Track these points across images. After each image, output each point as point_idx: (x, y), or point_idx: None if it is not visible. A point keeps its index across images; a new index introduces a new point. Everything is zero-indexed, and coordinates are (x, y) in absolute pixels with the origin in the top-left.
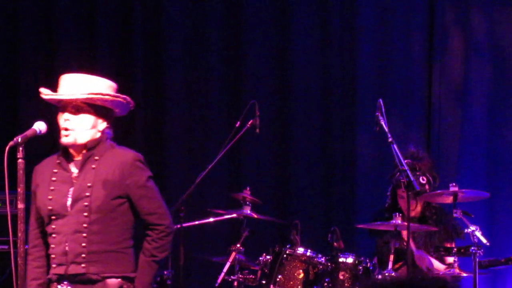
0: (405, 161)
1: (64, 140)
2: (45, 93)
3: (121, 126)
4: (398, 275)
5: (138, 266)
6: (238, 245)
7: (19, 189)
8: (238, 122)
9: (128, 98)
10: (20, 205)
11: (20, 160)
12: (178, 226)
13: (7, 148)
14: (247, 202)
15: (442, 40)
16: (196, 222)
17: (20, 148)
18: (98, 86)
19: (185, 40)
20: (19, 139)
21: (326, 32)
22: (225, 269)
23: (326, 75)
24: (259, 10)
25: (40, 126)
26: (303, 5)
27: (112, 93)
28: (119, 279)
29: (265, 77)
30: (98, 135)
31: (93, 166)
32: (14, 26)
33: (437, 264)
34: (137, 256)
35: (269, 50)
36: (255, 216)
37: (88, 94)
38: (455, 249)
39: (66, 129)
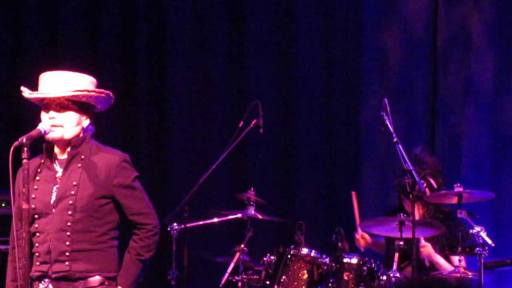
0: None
1: (51, 135)
2: (28, 92)
3: (125, 126)
4: (405, 275)
5: (123, 264)
6: (242, 246)
7: (24, 189)
8: (242, 122)
9: (111, 94)
10: (25, 206)
11: (25, 161)
12: (182, 226)
13: (12, 148)
14: (251, 203)
15: (446, 39)
16: (200, 223)
17: (25, 149)
18: (81, 83)
19: (188, 41)
20: (24, 139)
21: (330, 32)
22: (229, 270)
23: (330, 75)
24: (262, 11)
25: (45, 126)
26: (307, 6)
27: (96, 89)
28: (101, 277)
29: (269, 77)
30: (82, 132)
31: (79, 165)
32: (18, 29)
33: (443, 263)
34: (121, 257)
35: (272, 50)
36: (259, 216)
37: (74, 91)
38: (460, 249)
39: (55, 125)
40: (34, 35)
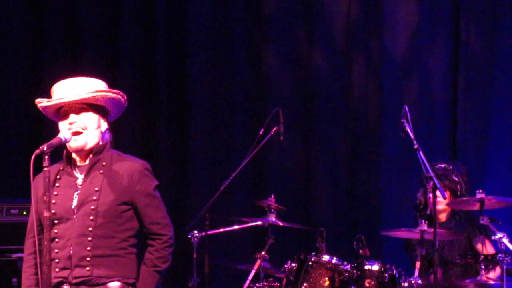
0: (438, 166)
1: (74, 144)
2: (46, 100)
3: (146, 135)
4: (427, 282)
5: (140, 276)
6: (263, 253)
7: (44, 197)
8: (262, 130)
9: (125, 96)
10: (46, 213)
11: (46, 169)
12: (203, 233)
13: (32, 157)
14: (272, 210)
15: (467, 47)
16: (221, 230)
17: (46, 157)
18: (97, 85)
19: (209, 48)
20: (44, 147)
21: (350, 38)
22: (250, 277)
23: (350, 82)
24: (282, 18)
25: (65, 135)
26: (326, 12)
27: (112, 89)
28: (120, 283)
29: (289, 84)
30: (102, 137)
31: (101, 171)
32: (38, 37)
33: None
34: (139, 264)
35: (292, 57)
36: (280, 223)
37: (94, 92)
38: (482, 257)
39: (77, 133)
40: (54, 49)
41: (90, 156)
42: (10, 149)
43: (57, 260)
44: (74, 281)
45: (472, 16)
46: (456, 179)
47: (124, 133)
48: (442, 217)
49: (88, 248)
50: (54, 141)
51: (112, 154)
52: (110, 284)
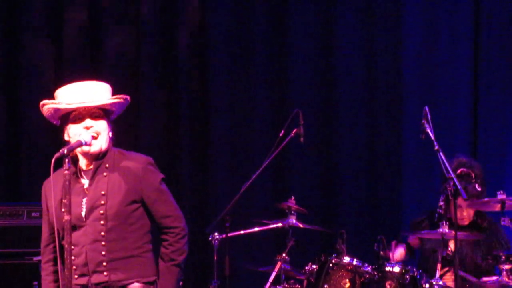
0: (460, 169)
1: (93, 148)
2: (65, 103)
3: (167, 137)
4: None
5: (159, 273)
6: (284, 255)
7: (65, 201)
8: (282, 131)
9: (128, 98)
10: (66, 217)
11: (66, 172)
12: (224, 236)
13: (53, 160)
14: (292, 212)
15: (489, 47)
16: (242, 232)
17: (66, 160)
18: (105, 91)
19: (229, 50)
20: (65, 150)
21: (371, 40)
22: (271, 279)
23: (371, 83)
24: (303, 19)
25: (85, 138)
26: (348, 14)
27: (122, 95)
28: (140, 283)
29: (309, 86)
30: (109, 140)
31: (105, 174)
32: (59, 45)
33: None
34: (157, 258)
35: (313, 58)
36: (301, 225)
37: (113, 98)
38: (504, 257)
39: (93, 137)
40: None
41: (95, 160)
42: (31, 152)
43: (74, 267)
44: (93, 287)
45: (490, 17)
46: (479, 188)
47: (145, 137)
48: (465, 221)
49: (103, 253)
50: (74, 144)
51: (114, 154)
52: (130, 286)
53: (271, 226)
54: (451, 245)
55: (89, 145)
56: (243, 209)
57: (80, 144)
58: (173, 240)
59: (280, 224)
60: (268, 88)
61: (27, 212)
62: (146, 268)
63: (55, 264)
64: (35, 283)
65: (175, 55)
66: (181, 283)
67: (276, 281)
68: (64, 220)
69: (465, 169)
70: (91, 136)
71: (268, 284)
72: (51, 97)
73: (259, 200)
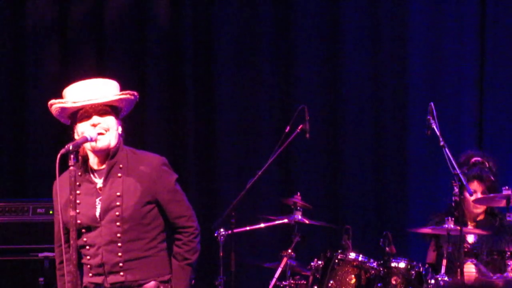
0: (475, 158)
1: (99, 144)
2: (71, 101)
3: (172, 133)
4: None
5: (173, 272)
6: (290, 251)
7: (71, 197)
8: (288, 127)
9: (137, 94)
10: (72, 213)
11: (72, 168)
12: (229, 232)
13: (58, 156)
14: (298, 208)
15: (495, 42)
16: (247, 228)
17: (72, 156)
18: (113, 88)
19: (235, 46)
20: (70, 146)
21: (377, 36)
22: (276, 275)
23: (377, 79)
24: (309, 15)
25: (91, 134)
26: (354, 11)
27: (129, 91)
28: (156, 282)
29: (315, 82)
30: (119, 137)
31: (119, 174)
32: (65, 46)
33: None
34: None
35: (319, 55)
36: (306, 221)
37: (119, 95)
38: (509, 253)
39: (100, 134)
40: (80, 45)
41: (107, 159)
42: (36, 148)
43: (89, 266)
44: (109, 287)
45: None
46: (493, 178)
47: (151, 133)
48: (479, 216)
49: (119, 254)
50: (79, 140)
51: (127, 154)
52: (146, 285)
53: (277, 222)
54: (469, 239)
55: (95, 140)
56: (249, 205)
57: (85, 140)
58: (187, 240)
59: (286, 220)
60: (274, 84)
61: (32, 208)
62: (162, 267)
63: (69, 264)
64: (41, 279)
65: (181, 53)
66: (193, 282)
67: (282, 277)
68: (69, 216)
69: (479, 158)
70: (96, 132)
71: (274, 280)
72: (56, 94)
73: (264, 196)
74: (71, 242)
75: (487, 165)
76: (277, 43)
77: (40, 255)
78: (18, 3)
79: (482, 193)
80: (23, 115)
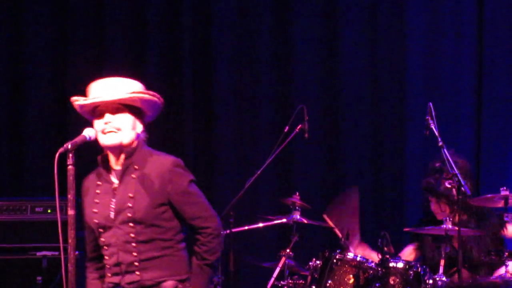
0: (437, 164)
1: (108, 141)
2: (83, 99)
3: (171, 132)
4: (452, 279)
5: (192, 271)
6: (288, 250)
7: (69, 196)
8: (287, 127)
9: (161, 98)
10: (70, 212)
11: (70, 167)
12: (228, 231)
13: (57, 155)
14: (297, 207)
15: (493, 42)
16: (246, 228)
17: (70, 155)
18: (134, 86)
19: (234, 46)
20: (69, 145)
21: (375, 35)
22: (274, 274)
23: (375, 79)
24: (308, 15)
25: (89, 133)
26: (352, 9)
27: (149, 91)
28: (173, 281)
29: (314, 82)
30: (136, 138)
31: (133, 175)
32: (64, 36)
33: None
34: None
35: (317, 54)
36: (305, 221)
37: (131, 93)
38: (507, 253)
39: (111, 132)
40: (80, 45)
41: (123, 159)
42: (35, 147)
43: (108, 266)
44: (126, 286)
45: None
46: (449, 185)
47: (149, 132)
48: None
49: (135, 254)
50: (78, 139)
51: (144, 154)
52: (163, 284)
53: (276, 221)
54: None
55: (93, 140)
56: (248, 204)
57: (84, 139)
58: (205, 240)
59: (284, 220)
60: (272, 83)
61: (30, 207)
62: (179, 266)
63: (97, 262)
64: (39, 278)
65: (179, 49)
66: (213, 283)
67: (280, 276)
68: (68, 215)
69: (440, 164)
70: (95, 131)
71: (272, 279)
72: (56, 93)
73: (263, 195)
74: (69, 240)
75: (444, 173)
76: (276, 42)
77: (38, 254)
78: None
79: (439, 204)
80: (21, 113)
